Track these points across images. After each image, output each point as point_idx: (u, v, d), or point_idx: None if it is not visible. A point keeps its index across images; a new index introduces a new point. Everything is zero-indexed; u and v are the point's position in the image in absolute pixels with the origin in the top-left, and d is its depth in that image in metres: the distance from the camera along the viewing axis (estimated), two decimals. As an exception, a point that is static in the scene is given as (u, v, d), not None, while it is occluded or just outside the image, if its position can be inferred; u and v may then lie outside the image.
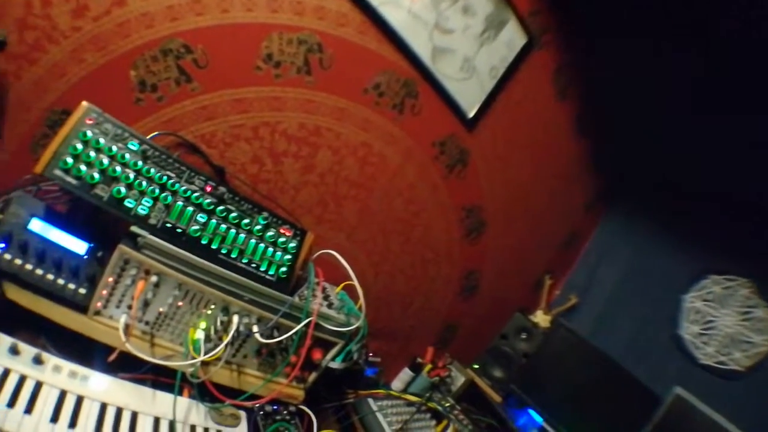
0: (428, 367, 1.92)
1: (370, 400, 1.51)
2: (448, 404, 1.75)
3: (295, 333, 1.23)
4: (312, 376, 1.35)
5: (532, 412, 2.01)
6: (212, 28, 1.37)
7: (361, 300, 1.35)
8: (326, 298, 1.36)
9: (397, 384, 1.88)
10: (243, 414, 1.25)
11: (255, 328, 1.20)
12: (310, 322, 1.23)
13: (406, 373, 1.89)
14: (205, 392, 1.18)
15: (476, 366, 2.12)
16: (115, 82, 1.35)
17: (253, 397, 1.23)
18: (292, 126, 1.49)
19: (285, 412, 1.30)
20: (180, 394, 1.16)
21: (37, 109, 1.33)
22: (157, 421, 1.11)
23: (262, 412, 1.27)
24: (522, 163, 2.10)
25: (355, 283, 1.35)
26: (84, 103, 1.14)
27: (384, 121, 1.62)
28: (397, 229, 1.71)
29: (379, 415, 1.48)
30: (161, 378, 1.18)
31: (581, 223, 2.71)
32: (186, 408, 1.17)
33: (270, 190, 1.51)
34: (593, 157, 2.44)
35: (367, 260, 1.63)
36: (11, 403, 0.93)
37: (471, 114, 1.83)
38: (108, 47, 1.31)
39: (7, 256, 1.06)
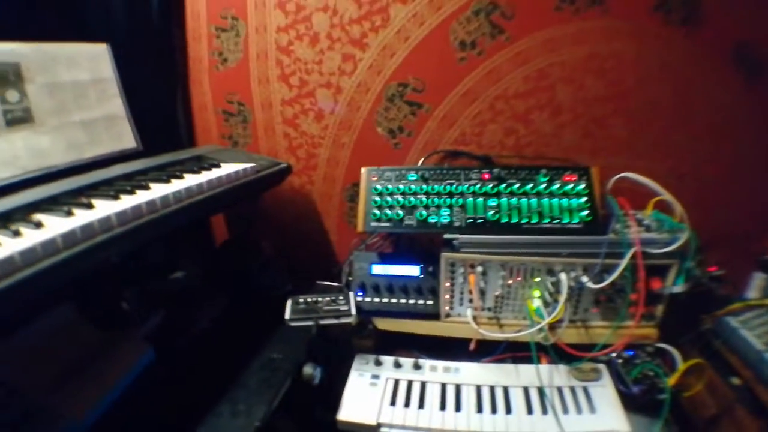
0: (782, 261, 1.61)
1: (728, 318, 1.32)
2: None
3: (625, 269, 1.19)
4: (659, 309, 1.27)
5: None
6: (403, 64, 1.56)
7: (678, 209, 1.22)
8: (640, 223, 1.27)
9: (753, 294, 1.60)
10: (602, 366, 1.26)
11: (584, 278, 1.22)
12: (635, 252, 1.18)
13: (758, 278, 1.59)
14: (561, 354, 1.24)
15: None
16: (368, 143, 1.68)
17: (607, 347, 1.23)
18: (518, 84, 1.50)
19: (643, 354, 1.26)
20: (539, 362, 1.24)
21: (337, 194, 1.79)
22: (526, 390, 1.22)
23: (620, 360, 1.25)
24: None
25: (663, 193, 1.24)
26: (363, 169, 1.45)
27: (590, 22, 1.44)
28: (673, 118, 1.47)
29: (743, 331, 1.28)
30: (518, 353, 1.30)
31: None
32: (548, 373, 1.24)
33: (535, 150, 1.54)
34: None
35: (661, 168, 1.44)
36: (407, 404, 1.19)
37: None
38: (351, 124, 1.68)
39: (368, 299, 1.41)
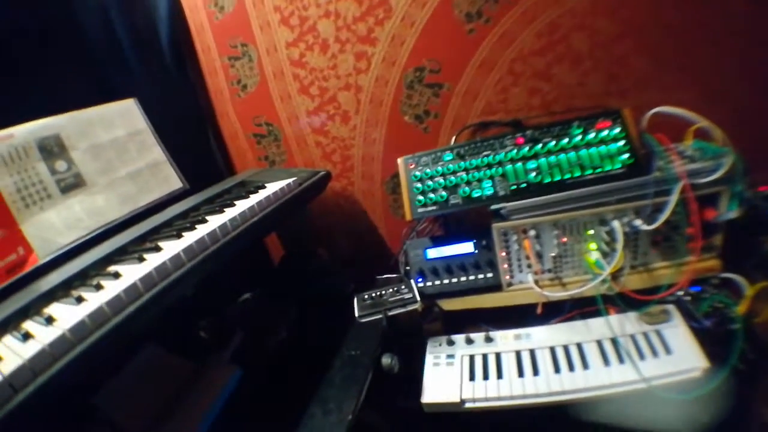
0: None
1: (792, 233, 1.30)
2: None
3: (676, 204, 1.17)
4: (718, 239, 1.23)
5: None
6: (414, 50, 1.57)
7: (718, 133, 1.18)
8: (683, 155, 1.24)
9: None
10: (671, 306, 1.23)
11: (637, 222, 1.21)
12: (683, 186, 1.16)
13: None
14: (628, 301, 1.23)
15: None
16: (398, 133, 1.71)
17: (672, 286, 1.21)
18: (532, 42, 1.47)
19: (709, 287, 1.22)
20: (607, 313, 1.23)
21: (378, 189, 1.84)
22: (599, 343, 1.22)
23: (688, 297, 1.22)
24: None
25: (700, 120, 1.20)
26: (398, 159, 1.49)
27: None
28: (693, 41, 1.39)
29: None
30: (585, 309, 1.29)
31: None
32: (618, 323, 1.23)
33: (563, 104, 1.51)
34: None
35: (692, 95, 1.35)
36: (486, 376, 1.22)
37: None
38: (378, 119, 1.71)
39: (429, 284, 1.44)
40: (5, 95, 1.26)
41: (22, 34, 1.34)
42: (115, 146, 1.39)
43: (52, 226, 1.18)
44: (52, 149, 1.24)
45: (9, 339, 0.79)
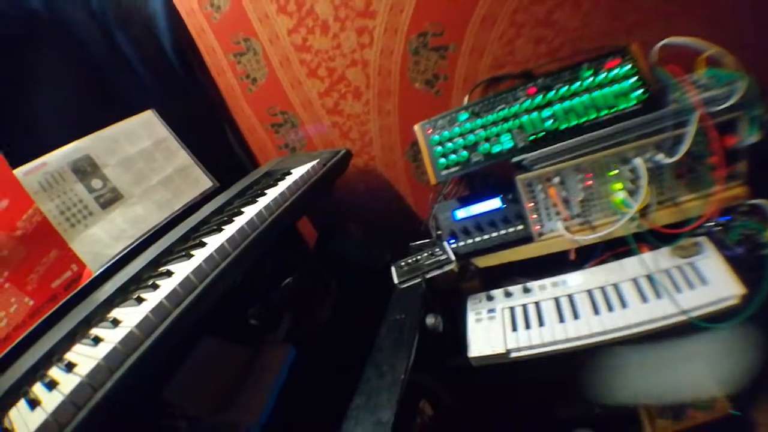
0: None
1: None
2: None
3: (695, 134, 1.16)
4: (742, 166, 1.20)
5: None
6: (414, 16, 1.58)
7: (729, 59, 1.17)
8: (697, 85, 1.22)
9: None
10: (702, 238, 1.24)
11: (659, 156, 1.21)
12: (700, 115, 1.14)
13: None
14: (659, 237, 1.23)
15: None
16: (411, 101, 1.73)
17: (700, 218, 1.21)
18: None
19: (739, 215, 1.21)
20: (640, 252, 1.25)
21: (399, 159, 1.85)
22: (635, 281, 1.23)
23: (718, 227, 1.22)
24: None
25: (709, 47, 1.19)
26: (415, 126, 1.51)
27: None
28: None
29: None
30: (618, 250, 1.31)
31: None
32: (652, 259, 1.25)
33: (570, 48, 1.50)
34: None
35: (699, 21, 1.32)
36: (528, 326, 1.26)
37: None
38: (389, 90, 1.74)
39: (461, 243, 1.48)
40: (31, 130, 1.33)
41: (35, 70, 1.40)
42: (143, 157, 1.45)
43: (100, 240, 1.26)
44: (85, 169, 1.31)
45: (80, 347, 0.86)
